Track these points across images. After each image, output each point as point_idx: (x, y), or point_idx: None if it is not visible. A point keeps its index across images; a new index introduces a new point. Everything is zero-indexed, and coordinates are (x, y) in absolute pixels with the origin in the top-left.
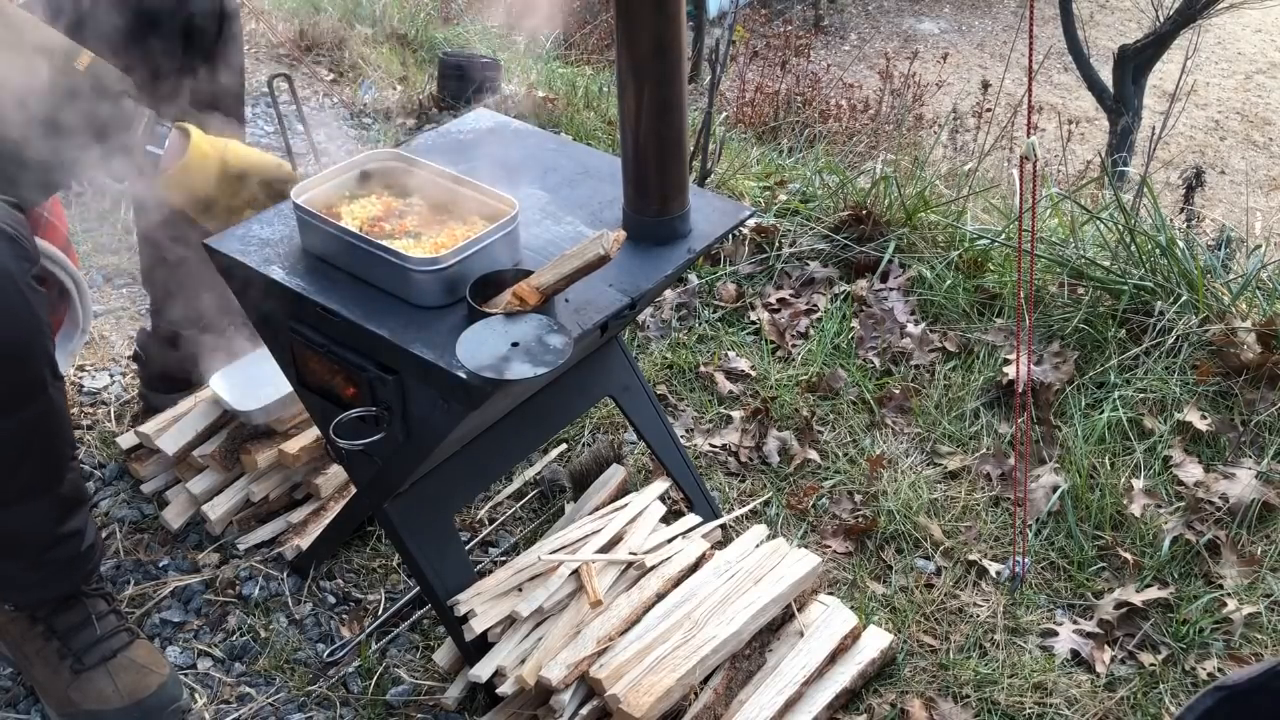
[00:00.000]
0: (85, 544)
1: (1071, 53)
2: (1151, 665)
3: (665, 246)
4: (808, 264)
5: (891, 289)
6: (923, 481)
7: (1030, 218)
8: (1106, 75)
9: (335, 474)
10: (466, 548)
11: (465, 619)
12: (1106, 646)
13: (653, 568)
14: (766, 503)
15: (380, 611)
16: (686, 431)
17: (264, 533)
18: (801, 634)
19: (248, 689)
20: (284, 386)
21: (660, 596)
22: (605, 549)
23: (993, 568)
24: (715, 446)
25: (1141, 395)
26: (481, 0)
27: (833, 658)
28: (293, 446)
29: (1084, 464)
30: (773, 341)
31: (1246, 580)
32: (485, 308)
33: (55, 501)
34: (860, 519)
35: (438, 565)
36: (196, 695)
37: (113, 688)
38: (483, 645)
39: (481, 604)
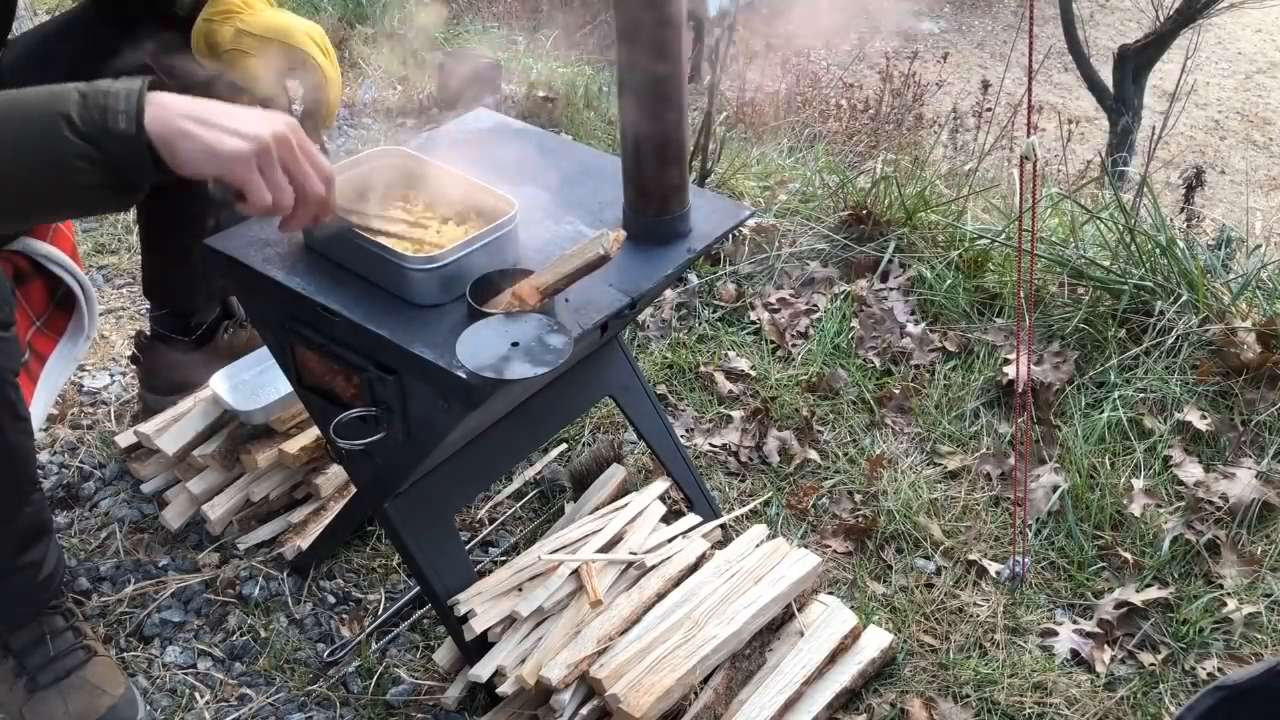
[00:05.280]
0: (43, 574)
1: (1071, 53)
2: (1151, 665)
3: (665, 246)
4: (808, 264)
5: (891, 289)
6: (923, 481)
7: (1030, 218)
8: (1106, 75)
9: (335, 474)
10: (466, 548)
11: (465, 619)
12: (1106, 646)
13: (653, 567)
14: (766, 503)
15: (380, 611)
16: (686, 431)
17: (264, 533)
18: (801, 634)
19: (248, 689)
20: (284, 386)
21: (660, 596)
22: (605, 549)
23: (993, 568)
24: (715, 446)
25: (1141, 395)
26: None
27: (833, 657)
28: (293, 446)
29: (1084, 464)
30: (773, 341)
31: (1246, 580)
32: (485, 308)
33: (11, 535)
34: (860, 519)
35: (438, 565)
36: (197, 695)
37: (63, 709)
38: (483, 645)
39: (481, 604)
